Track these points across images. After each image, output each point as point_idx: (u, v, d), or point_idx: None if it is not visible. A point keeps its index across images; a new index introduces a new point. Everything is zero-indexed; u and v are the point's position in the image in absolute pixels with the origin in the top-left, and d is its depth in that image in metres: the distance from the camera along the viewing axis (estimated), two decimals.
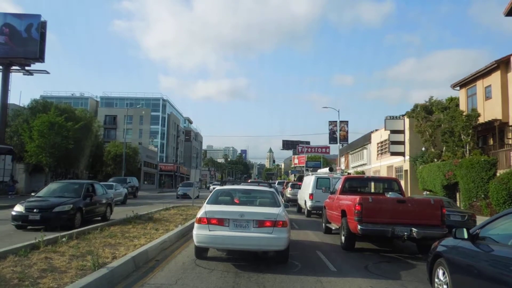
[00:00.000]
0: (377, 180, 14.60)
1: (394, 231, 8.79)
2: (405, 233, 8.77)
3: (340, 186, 12.28)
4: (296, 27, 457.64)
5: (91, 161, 39.71)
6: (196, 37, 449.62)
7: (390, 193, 11.54)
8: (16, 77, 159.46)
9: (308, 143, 76.83)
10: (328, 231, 12.74)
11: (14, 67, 34.08)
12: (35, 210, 12.07)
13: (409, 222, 8.95)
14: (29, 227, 12.09)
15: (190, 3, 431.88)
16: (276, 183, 41.11)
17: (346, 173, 35.32)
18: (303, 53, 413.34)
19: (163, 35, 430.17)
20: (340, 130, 48.60)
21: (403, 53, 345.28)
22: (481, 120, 23.08)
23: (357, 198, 9.37)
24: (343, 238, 10.12)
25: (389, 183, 13.04)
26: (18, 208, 12.30)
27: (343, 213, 10.27)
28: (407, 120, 31.71)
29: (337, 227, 11.36)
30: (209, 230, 7.28)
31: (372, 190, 13.10)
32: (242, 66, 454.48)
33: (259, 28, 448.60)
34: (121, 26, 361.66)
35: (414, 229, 8.73)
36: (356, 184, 12.95)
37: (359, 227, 8.99)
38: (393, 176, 34.26)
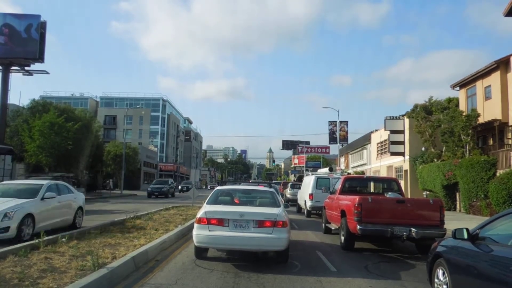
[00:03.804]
0: (377, 180, 14.59)
1: (393, 231, 8.82)
2: (404, 233, 8.80)
3: (339, 186, 12.27)
4: (295, 28, 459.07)
5: (91, 161, 39.62)
6: (195, 38, 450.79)
7: (389, 193, 11.51)
8: (16, 77, 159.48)
9: (308, 143, 76.85)
10: (327, 231, 12.74)
11: (13, 68, 33.97)
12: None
13: (408, 222, 8.97)
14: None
15: (188, 3, 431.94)
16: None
17: (346, 173, 35.30)
18: (302, 53, 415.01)
19: (162, 36, 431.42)
20: (340, 130, 48.57)
21: (401, 53, 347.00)
22: (481, 120, 23.07)
23: (356, 198, 9.39)
24: (342, 238, 10.13)
25: (388, 183, 13.05)
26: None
27: (343, 213, 10.27)
28: (406, 120, 31.69)
29: (337, 227, 11.35)
30: (209, 230, 7.28)
31: (372, 190, 13.08)
32: (241, 66, 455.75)
33: (258, 29, 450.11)
34: (119, 27, 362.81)
35: (413, 229, 8.76)
36: (355, 184, 12.94)
37: (358, 227, 9.01)
38: (393, 176, 34.26)
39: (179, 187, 54.44)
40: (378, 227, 8.99)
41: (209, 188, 71.96)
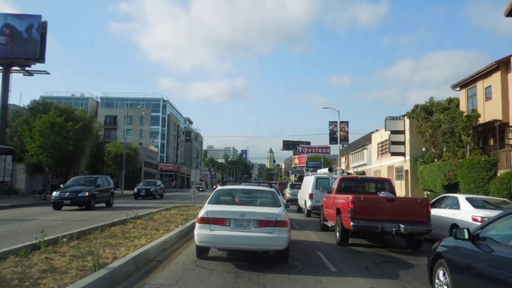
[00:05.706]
0: (371, 180, 15.22)
1: (383, 227, 9.49)
2: (394, 229, 9.45)
3: (336, 186, 12.91)
4: (294, 28, 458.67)
5: (92, 161, 39.64)
6: (194, 38, 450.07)
7: (382, 192, 12.04)
8: (17, 78, 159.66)
9: (308, 143, 76.75)
10: (325, 228, 13.26)
11: (14, 68, 34.05)
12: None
13: (397, 219, 9.61)
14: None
15: (187, 4, 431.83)
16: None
17: (346, 173, 35.32)
18: (301, 54, 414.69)
19: (161, 37, 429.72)
20: (340, 131, 48.54)
21: (400, 54, 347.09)
22: (481, 120, 23.06)
23: (350, 197, 10.05)
24: (337, 234, 10.67)
25: (382, 183, 13.67)
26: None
27: (338, 211, 10.83)
28: (407, 121, 31.70)
29: (333, 224, 11.77)
30: (210, 230, 7.30)
31: (366, 190, 13.49)
32: (241, 67, 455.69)
33: (257, 30, 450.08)
34: (119, 28, 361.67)
35: (402, 226, 9.42)
36: (351, 184, 13.49)
37: (351, 223, 9.64)
38: (394, 176, 34.34)
39: (135, 189, 35.51)
40: (370, 224, 9.64)
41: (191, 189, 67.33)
